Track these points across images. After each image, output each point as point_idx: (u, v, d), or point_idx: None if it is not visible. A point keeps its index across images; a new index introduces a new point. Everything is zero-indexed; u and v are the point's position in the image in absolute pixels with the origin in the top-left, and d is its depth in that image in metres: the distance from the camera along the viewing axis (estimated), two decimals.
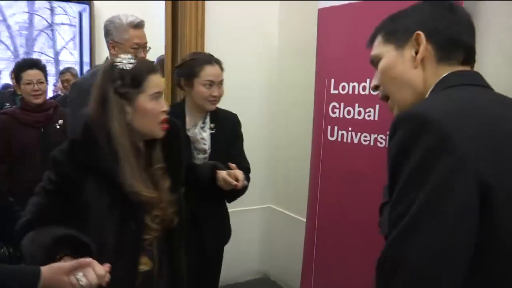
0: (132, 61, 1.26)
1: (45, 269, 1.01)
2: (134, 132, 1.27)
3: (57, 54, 12.79)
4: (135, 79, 1.24)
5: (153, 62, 1.63)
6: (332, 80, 2.25)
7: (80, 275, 1.02)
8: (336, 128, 2.24)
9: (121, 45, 2.02)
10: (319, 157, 2.32)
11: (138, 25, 2.05)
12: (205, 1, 2.75)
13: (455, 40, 0.88)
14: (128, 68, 1.24)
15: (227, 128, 1.97)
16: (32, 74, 2.60)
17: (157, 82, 1.29)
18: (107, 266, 1.07)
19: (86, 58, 5.34)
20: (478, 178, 0.69)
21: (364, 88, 2.10)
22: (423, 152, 0.72)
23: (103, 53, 4.71)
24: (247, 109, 3.04)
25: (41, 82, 2.64)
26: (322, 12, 2.34)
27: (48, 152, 2.51)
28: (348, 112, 2.18)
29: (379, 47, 0.96)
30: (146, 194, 1.26)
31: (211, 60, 1.89)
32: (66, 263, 1.05)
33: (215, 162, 1.67)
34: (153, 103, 1.26)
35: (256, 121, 3.10)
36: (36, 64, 2.68)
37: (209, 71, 1.85)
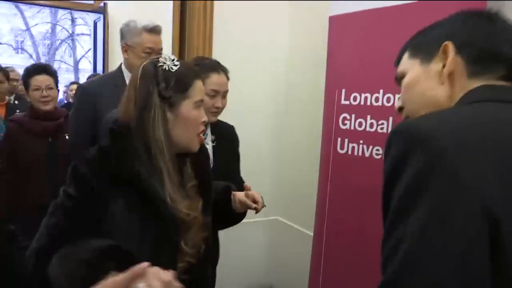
0: (177, 62, 1.09)
1: None
2: (172, 143, 1.08)
3: (77, 63, 12.89)
4: (181, 83, 1.08)
5: (197, 65, 1.50)
6: (343, 91, 2.09)
7: (142, 285, 0.80)
8: (346, 140, 2.07)
9: (133, 48, 1.95)
10: (328, 170, 2.16)
11: (153, 30, 1.95)
12: (214, 12, 2.64)
13: (493, 53, 0.73)
14: (173, 70, 1.07)
15: (228, 140, 1.83)
16: (40, 79, 2.40)
17: (202, 88, 1.13)
18: (170, 272, 0.86)
19: (100, 67, 5.26)
20: (483, 208, 0.54)
21: (377, 99, 1.94)
22: (413, 172, 0.59)
23: (116, 62, 4.66)
24: (255, 119, 2.94)
25: (51, 88, 2.43)
26: (333, 20, 2.19)
27: (54, 167, 2.37)
28: (360, 124, 2.01)
29: (404, 63, 0.83)
30: (187, 212, 1.08)
31: (218, 67, 1.68)
32: (119, 277, 0.82)
33: (227, 182, 1.49)
34: (196, 112, 1.10)
35: (264, 131, 2.99)
36: (45, 69, 2.48)
37: (214, 80, 1.64)
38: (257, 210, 1.40)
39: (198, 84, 1.11)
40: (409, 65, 0.81)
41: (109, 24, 5.07)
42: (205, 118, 1.14)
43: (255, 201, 1.39)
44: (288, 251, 3.03)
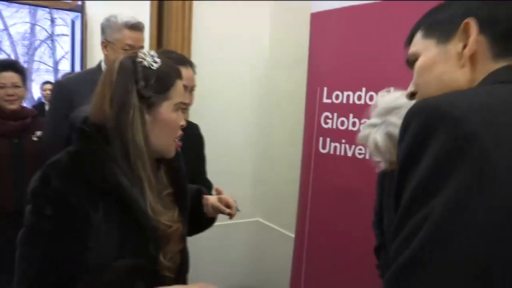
0: (157, 59, 0.98)
1: None
2: (150, 147, 0.96)
3: (56, 63, 12.56)
4: (162, 82, 0.96)
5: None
6: (325, 89, 2.02)
7: None
8: (328, 140, 2.00)
9: (113, 44, 1.86)
10: (310, 170, 2.08)
11: (134, 27, 1.85)
12: (193, 12, 2.54)
13: None
14: (154, 68, 0.96)
15: (194, 140, 1.73)
16: (6, 76, 2.22)
17: (182, 89, 1.03)
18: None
19: (78, 66, 5.07)
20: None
21: (359, 98, 1.87)
22: (436, 154, 0.51)
23: (95, 62, 4.51)
24: (236, 118, 2.85)
25: (17, 86, 2.25)
26: (314, 17, 2.12)
27: (21, 169, 2.20)
28: (342, 123, 1.94)
29: (417, 44, 0.73)
30: (169, 224, 0.98)
31: (185, 61, 1.56)
32: None
33: (198, 186, 1.39)
34: (175, 115, 1.00)
35: (244, 130, 2.91)
36: (12, 66, 2.29)
37: (182, 74, 1.55)
38: (230, 216, 1.31)
39: (179, 84, 1.01)
40: (423, 46, 0.71)
41: (87, 23, 4.87)
42: (183, 122, 1.03)
43: (228, 206, 1.30)
44: (270, 252, 2.95)
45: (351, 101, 1.90)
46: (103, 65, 1.93)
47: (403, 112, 1.21)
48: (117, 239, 0.89)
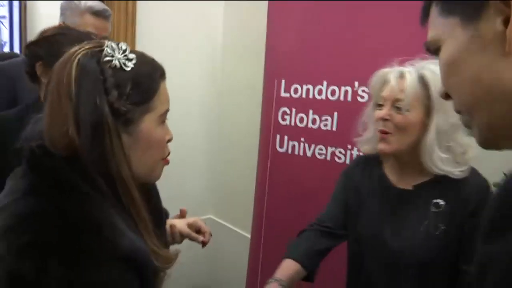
0: (131, 55, 0.67)
1: None
2: (133, 175, 0.69)
3: (1, 47, 11.56)
4: (141, 89, 0.67)
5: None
6: (283, 81, 1.77)
7: None
8: (286, 138, 1.76)
9: None
10: (266, 170, 1.85)
11: (99, 13, 1.55)
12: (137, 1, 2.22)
13: None
14: (127, 69, 0.66)
15: None
16: None
17: (167, 93, 0.74)
18: None
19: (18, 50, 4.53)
20: None
21: (320, 92, 1.65)
22: None
23: None
24: (187, 112, 2.57)
25: None
26: (272, 4, 1.85)
27: None
28: (301, 120, 1.71)
29: (437, 25, 0.48)
30: (167, 266, 0.72)
31: (87, 38, 1.11)
32: None
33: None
34: (160, 129, 0.72)
35: (196, 125, 2.68)
36: (12, 57, 1.95)
37: None
38: (204, 244, 1.09)
39: (164, 87, 0.72)
40: (445, 28, 0.46)
41: (26, 4, 4.32)
42: (170, 136, 0.77)
43: (199, 232, 1.10)
44: (224, 251, 2.73)
45: (310, 96, 1.68)
46: None
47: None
48: None
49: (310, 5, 1.69)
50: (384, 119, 0.99)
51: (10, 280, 0.53)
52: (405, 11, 1.41)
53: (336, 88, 1.60)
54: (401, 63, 1.05)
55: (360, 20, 1.55)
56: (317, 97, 1.65)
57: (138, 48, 2.24)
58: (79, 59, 0.63)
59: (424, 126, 0.98)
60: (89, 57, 0.64)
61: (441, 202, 0.99)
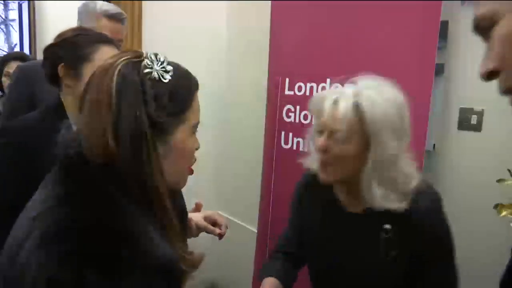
0: (169, 67, 0.67)
1: None
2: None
3: (12, 48, 11.63)
4: (177, 101, 0.68)
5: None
6: (287, 80, 1.79)
7: None
8: (290, 134, 1.78)
9: None
10: (272, 167, 1.86)
11: (114, 17, 1.56)
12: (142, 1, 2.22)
13: None
14: (165, 81, 0.66)
15: None
16: (14, 66, 1.87)
17: (199, 104, 0.75)
18: None
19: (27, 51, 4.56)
20: None
21: (323, 89, 1.65)
22: None
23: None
24: None
25: None
26: (276, 3, 1.86)
27: None
28: (305, 117, 1.72)
29: (490, 1, 0.46)
30: (191, 259, 0.72)
31: (106, 39, 1.16)
32: None
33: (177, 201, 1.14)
34: (192, 140, 0.74)
35: (205, 123, 2.61)
36: (19, 57, 1.99)
37: (108, 53, 1.09)
38: (220, 236, 1.10)
39: (197, 99, 0.74)
40: (504, 3, 0.44)
41: (35, 7, 4.34)
42: (198, 145, 0.78)
43: (216, 224, 1.11)
44: (231, 246, 2.74)
45: (314, 93, 1.68)
46: None
47: (382, 88, 0.93)
48: None
49: (313, 4, 1.69)
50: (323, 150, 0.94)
51: (48, 287, 0.54)
52: (408, 10, 1.42)
53: (340, 86, 1.60)
54: (342, 81, 1.01)
55: (363, 18, 1.55)
56: None
57: (144, 48, 2.27)
58: (121, 71, 0.63)
59: (362, 158, 0.92)
60: (130, 68, 0.64)
61: (389, 227, 0.92)
